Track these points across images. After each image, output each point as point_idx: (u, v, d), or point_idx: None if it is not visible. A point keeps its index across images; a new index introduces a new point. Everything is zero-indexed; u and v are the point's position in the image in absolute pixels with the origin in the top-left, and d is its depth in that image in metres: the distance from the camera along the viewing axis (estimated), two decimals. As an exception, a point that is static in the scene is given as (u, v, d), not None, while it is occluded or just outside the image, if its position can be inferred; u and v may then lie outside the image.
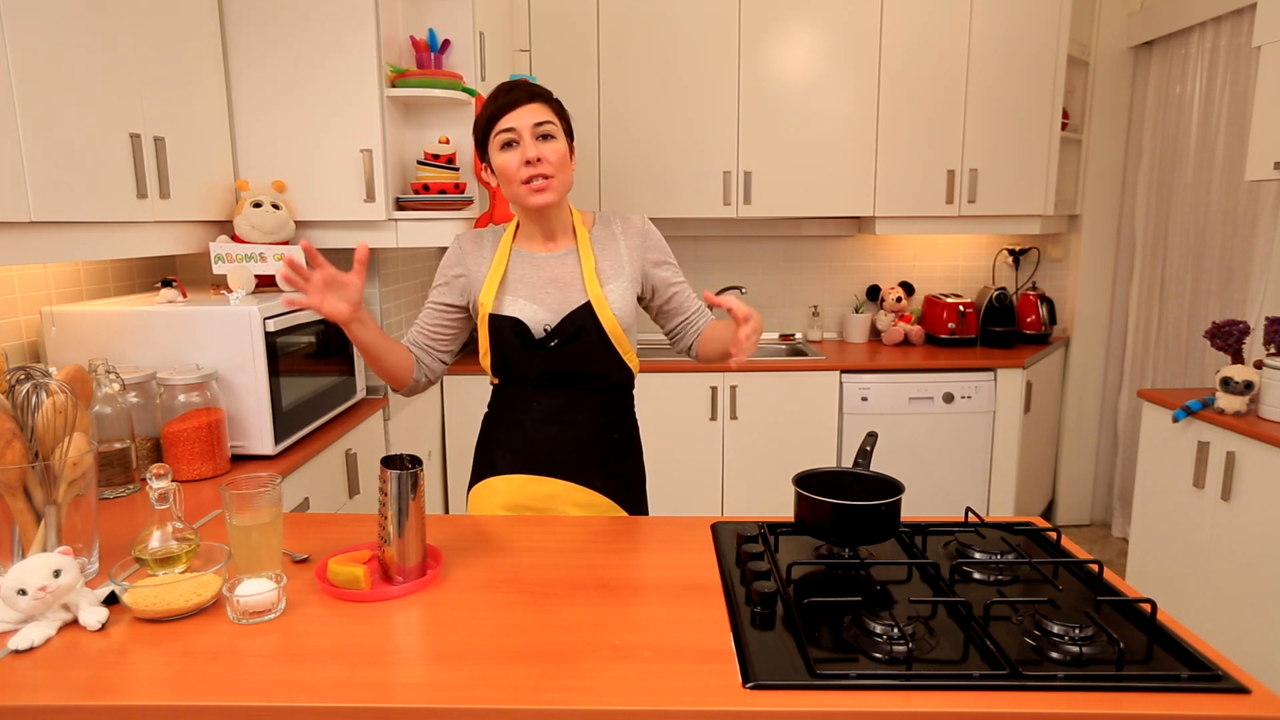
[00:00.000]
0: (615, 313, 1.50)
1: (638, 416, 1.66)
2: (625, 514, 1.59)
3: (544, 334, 1.50)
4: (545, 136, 1.45)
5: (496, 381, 1.61)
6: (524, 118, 1.43)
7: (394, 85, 2.24)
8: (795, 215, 3.45)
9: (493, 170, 1.49)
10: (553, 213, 1.52)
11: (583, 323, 1.49)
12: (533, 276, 1.52)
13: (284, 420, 1.94)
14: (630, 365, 1.56)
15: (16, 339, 1.85)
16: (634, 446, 1.64)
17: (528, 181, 1.44)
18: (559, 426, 1.55)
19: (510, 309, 1.50)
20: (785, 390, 3.28)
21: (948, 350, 3.53)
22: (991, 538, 1.38)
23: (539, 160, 1.43)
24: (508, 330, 1.49)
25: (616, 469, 1.59)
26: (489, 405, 1.64)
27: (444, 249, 3.22)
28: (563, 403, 1.55)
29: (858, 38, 3.31)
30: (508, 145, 1.45)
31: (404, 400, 2.78)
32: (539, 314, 1.50)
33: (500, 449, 1.59)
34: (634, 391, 1.64)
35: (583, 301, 1.50)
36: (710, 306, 1.48)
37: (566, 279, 1.52)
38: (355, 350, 2.39)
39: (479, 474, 1.61)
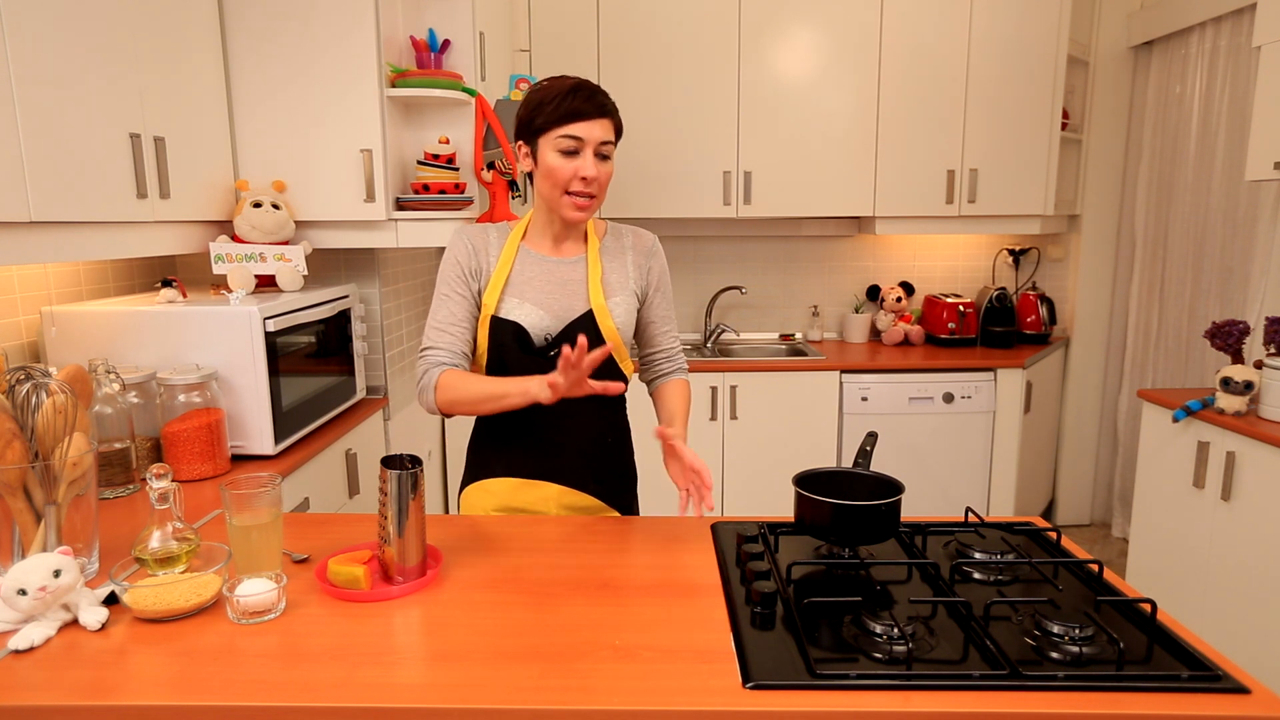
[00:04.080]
0: (618, 325, 1.50)
1: (640, 418, 1.66)
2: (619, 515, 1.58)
3: (544, 342, 1.49)
4: (604, 157, 1.45)
5: None
6: (594, 132, 1.42)
7: (394, 85, 2.24)
8: (795, 215, 3.45)
9: (535, 159, 1.47)
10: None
11: (584, 333, 1.47)
12: (540, 279, 1.51)
13: (284, 420, 1.94)
14: (625, 373, 1.56)
15: (16, 339, 1.85)
16: (627, 449, 1.64)
17: (572, 193, 1.44)
18: (553, 432, 1.54)
19: (514, 313, 1.48)
20: (785, 390, 3.28)
21: (948, 350, 3.53)
22: (991, 538, 1.38)
23: (593, 180, 1.44)
24: (508, 335, 1.48)
25: (609, 472, 1.59)
26: None
27: (444, 249, 3.22)
28: (557, 408, 1.52)
29: (858, 38, 3.31)
30: (569, 153, 1.43)
31: (404, 400, 2.78)
32: (543, 320, 1.48)
33: (494, 451, 1.58)
34: (627, 394, 1.63)
35: (585, 311, 1.49)
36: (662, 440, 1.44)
37: (573, 285, 1.51)
38: (355, 349, 2.40)
39: (472, 475, 1.60)
